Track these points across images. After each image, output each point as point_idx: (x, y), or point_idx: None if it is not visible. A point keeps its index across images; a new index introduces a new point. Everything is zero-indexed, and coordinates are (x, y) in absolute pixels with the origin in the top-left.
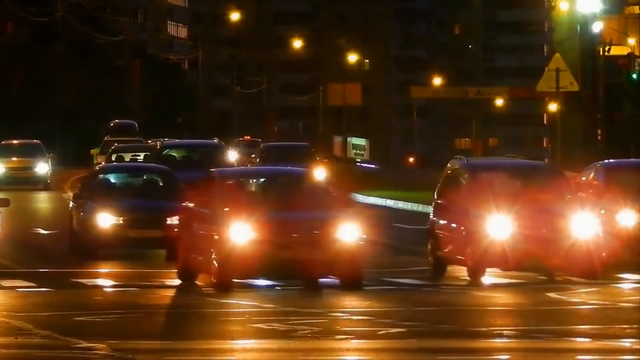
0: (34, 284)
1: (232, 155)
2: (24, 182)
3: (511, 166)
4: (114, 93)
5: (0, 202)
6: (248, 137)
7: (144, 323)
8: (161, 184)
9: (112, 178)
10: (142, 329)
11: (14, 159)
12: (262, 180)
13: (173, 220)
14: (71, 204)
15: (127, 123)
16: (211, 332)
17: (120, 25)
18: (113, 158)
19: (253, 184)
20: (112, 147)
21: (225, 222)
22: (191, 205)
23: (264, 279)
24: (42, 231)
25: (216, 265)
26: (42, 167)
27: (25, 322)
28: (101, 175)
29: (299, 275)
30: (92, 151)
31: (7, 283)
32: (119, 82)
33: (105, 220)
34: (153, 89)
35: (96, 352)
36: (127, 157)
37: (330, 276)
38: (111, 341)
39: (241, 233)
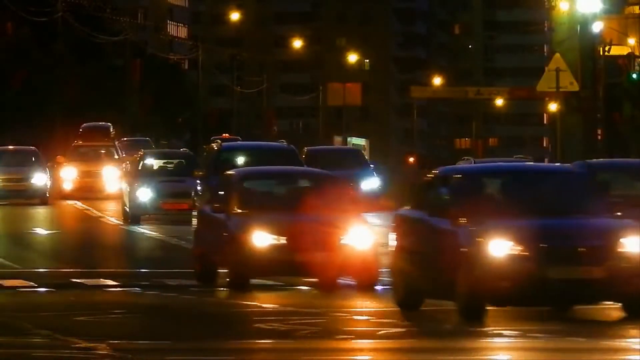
0: (34, 284)
1: None
2: (17, 195)
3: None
4: (114, 93)
5: None
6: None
7: (144, 323)
8: (325, 193)
9: (255, 185)
10: (142, 329)
11: (7, 168)
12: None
13: (348, 239)
14: (195, 220)
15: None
16: (211, 332)
17: (120, 25)
18: (140, 166)
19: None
20: (139, 154)
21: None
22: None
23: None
24: (42, 231)
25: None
26: (40, 179)
27: (25, 322)
28: (242, 183)
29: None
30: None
31: (7, 283)
32: (119, 82)
33: (263, 240)
34: (153, 89)
35: (96, 352)
36: (157, 164)
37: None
38: (111, 341)
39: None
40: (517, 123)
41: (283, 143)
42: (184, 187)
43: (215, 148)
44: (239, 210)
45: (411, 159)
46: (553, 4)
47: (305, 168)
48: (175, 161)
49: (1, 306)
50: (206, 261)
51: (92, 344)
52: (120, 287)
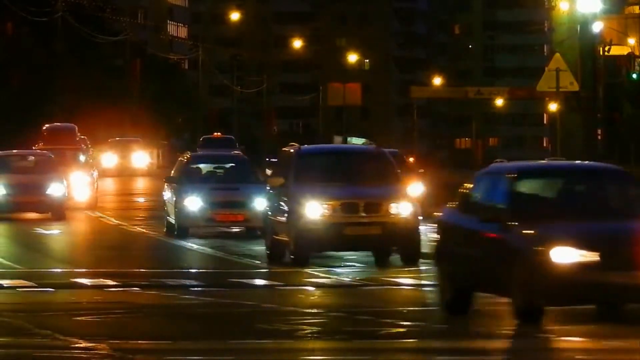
0: (34, 284)
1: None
2: (29, 208)
3: None
4: (114, 93)
5: None
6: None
7: (144, 323)
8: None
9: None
10: (142, 329)
11: (18, 175)
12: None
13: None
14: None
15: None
16: (211, 332)
17: (120, 25)
18: (186, 170)
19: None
20: (185, 156)
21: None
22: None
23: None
24: (42, 231)
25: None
26: (57, 189)
27: (25, 322)
28: (521, 184)
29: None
30: None
31: (7, 283)
32: (119, 82)
33: (567, 256)
34: (153, 89)
35: (96, 352)
36: (206, 168)
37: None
38: (111, 341)
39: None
40: (517, 123)
41: (369, 144)
42: (239, 195)
43: (293, 152)
44: (524, 221)
45: (411, 159)
46: (553, 4)
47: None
48: (226, 166)
49: (1, 306)
50: (460, 284)
51: (92, 344)
52: (120, 287)
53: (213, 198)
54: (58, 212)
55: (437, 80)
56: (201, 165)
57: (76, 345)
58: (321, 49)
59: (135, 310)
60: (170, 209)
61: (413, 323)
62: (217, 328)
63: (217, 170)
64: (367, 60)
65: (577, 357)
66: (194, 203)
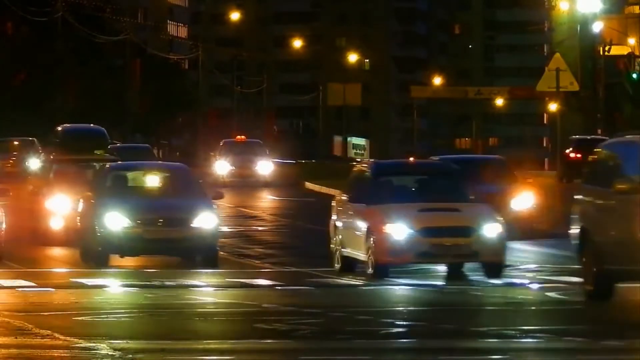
0: (34, 284)
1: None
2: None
3: None
4: (114, 93)
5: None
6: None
7: (144, 323)
8: None
9: None
10: (142, 329)
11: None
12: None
13: None
14: None
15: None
16: (211, 332)
17: (120, 25)
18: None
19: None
20: (366, 164)
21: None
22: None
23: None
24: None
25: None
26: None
27: (25, 322)
28: None
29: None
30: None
31: (7, 283)
32: (119, 82)
33: None
34: (153, 89)
35: (96, 352)
36: (397, 180)
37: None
38: (111, 341)
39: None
40: (517, 123)
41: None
42: (462, 219)
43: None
44: None
45: (411, 159)
46: (553, 4)
47: None
48: (424, 177)
49: (1, 306)
50: None
51: (92, 344)
52: (120, 287)
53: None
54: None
55: (437, 80)
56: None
57: (76, 345)
58: (321, 49)
59: (135, 310)
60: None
61: (413, 323)
62: (217, 328)
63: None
64: (367, 60)
65: (577, 357)
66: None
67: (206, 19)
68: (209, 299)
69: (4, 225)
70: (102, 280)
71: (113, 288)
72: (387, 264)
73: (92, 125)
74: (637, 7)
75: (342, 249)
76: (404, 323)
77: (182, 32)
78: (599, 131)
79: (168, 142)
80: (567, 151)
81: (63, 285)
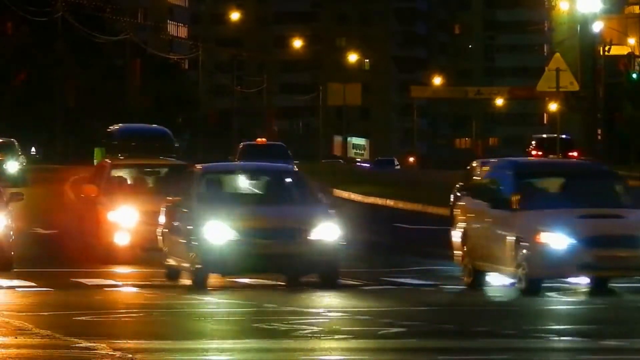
0: (34, 284)
1: None
2: None
3: None
4: (114, 93)
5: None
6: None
7: (144, 323)
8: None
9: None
10: (142, 329)
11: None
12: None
13: None
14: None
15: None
16: (211, 332)
17: (120, 25)
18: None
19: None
20: (480, 165)
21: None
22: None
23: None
24: (42, 231)
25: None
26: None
27: (25, 322)
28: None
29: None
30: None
31: (7, 283)
32: (119, 82)
33: None
34: (153, 89)
35: (96, 352)
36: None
37: None
38: (111, 341)
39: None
40: (517, 123)
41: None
42: (627, 227)
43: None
44: None
45: (411, 159)
46: (553, 3)
47: None
48: (576, 179)
49: (1, 306)
50: None
51: (92, 344)
52: (120, 287)
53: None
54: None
55: (437, 80)
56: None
57: (76, 345)
58: (321, 49)
59: (135, 310)
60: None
61: (413, 323)
62: (217, 328)
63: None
64: (367, 60)
65: (577, 357)
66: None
67: (206, 19)
68: (209, 299)
69: (11, 232)
70: (102, 280)
71: (113, 288)
72: (542, 278)
73: (154, 125)
74: (637, 7)
75: (476, 262)
76: (404, 323)
77: (182, 32)
78: (599, 131)
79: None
80: (529, 149)
81: (63, 285)
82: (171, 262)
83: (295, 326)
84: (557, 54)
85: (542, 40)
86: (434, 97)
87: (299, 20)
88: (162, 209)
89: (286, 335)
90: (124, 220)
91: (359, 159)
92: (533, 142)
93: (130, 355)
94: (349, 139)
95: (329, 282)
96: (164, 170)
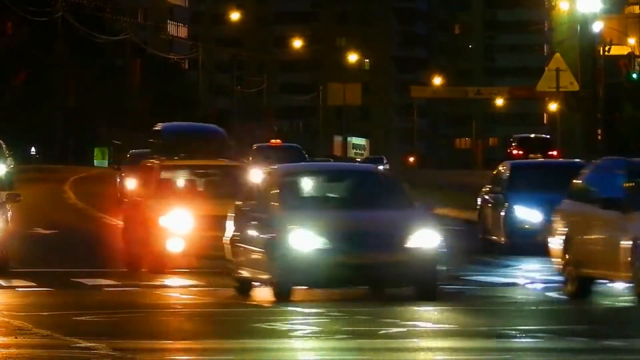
0: (34, 284)
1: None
2: None
3: None
4: (114, 93)
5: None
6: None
7: (144, 323)
8: None
9: None
10: (142, 329)
11: None
12: None
13: None
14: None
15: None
16: (211, 332)
17: (120, 25)
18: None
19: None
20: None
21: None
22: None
23: None
24: (42, 231)
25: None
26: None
27: (25, 322)
28: None
29: None
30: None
31: (7, 283)
32: (119, 82)
33: None
34: (153, 89)
35: (96, 352)
36: None
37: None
38: (111, 341)
39: None
40: (517, 123)
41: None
42: None
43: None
44: None
45: (411, 159)
46: (553, 3)
47: None
48: None
49: (1, 306)
50: None
51: (92, 344)
52: (120, 287)
53: None
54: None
55: (437, 80)
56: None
57: (76, 345)
58: (321, 49)
59: (135, 310)
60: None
61: (413, 323)
62: (217, 328)
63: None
64: (367, 60)
65: (577, 357)
66: None
67: (206, 19)
68: (209, 299)
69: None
70: (102, 280)
71: (113, 288)
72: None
73: (205, 124)
74: (637, 7)
75: (583, 269)
76: (404, 323)
77: (182, 32)
78: (599, 131)
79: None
80: (510, 149)
81: (63, 285)
82: (244, 273)
83: (295, 326)
84: (557, 54)
85: (542, 40)
86: (434, 97)
87: (299, 20)
88: (229, 214)
89: (286, 335)
90: (177, 226)
91: (359, 159)
92: (513, 142)
93: (130, 355)
94: (349, 139)
95: (427, 294)
96: (219, 171)
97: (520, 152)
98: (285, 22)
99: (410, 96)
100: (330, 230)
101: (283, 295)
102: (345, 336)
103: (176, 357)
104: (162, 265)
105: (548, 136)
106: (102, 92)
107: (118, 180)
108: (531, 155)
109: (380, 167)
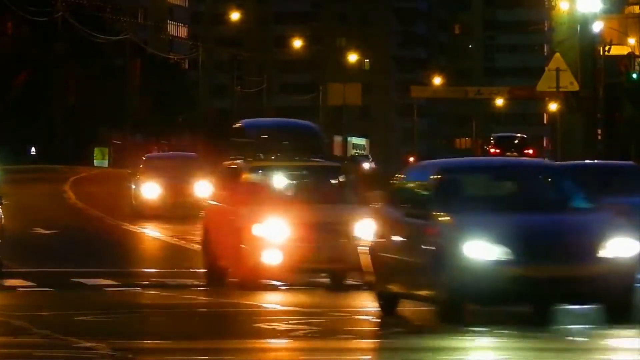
0: (34, 284)
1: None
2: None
3: None
4: (114, 93)
5: None
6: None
7: (144, 323)
8: None
9: None
10: (142, 329)
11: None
12: None
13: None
14: None
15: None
16: (211, 332)
17: (120, 25)
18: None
19: None
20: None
21: None
22: None
23: None
24: (42, 231)
25: None
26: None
27: (25, 322)
28: None
29: None
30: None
31: (7, 283)
32: (119, 82)
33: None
34: (153, 89)
35: (96, 352)
36: None
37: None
38: (111, 341)
39: None
40: (517, 123)
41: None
42: None
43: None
44: None
45: (411, 159)
46: (553, 3)
47: None
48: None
49: (1, 306)
50: None
51: (92, 344)
52: (120, 287)
53: None
54: None
55: (437, 80)
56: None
57: (76, 345)
58: (321, 49)
59: (135, 310)
60: None
61: (413, 323)
62: (217, 328)
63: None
64: (367, 60)
65: (577, 357)
66: None
67: (206, 19)
68: (209, 299)
69: None
70: (102, 280)
71: (113, 288)
72: None
73: (293, 119)
74: (637, 7)
75: None
76: (404, 323)
77: (182, 32)
78: (599, 131)
79: (168, 142)
80: (488, 147)
81: (63, 285)
82: (393, 288)
83: (295, 326)
84: (557, 54)
85: (542, 40)
86: (434, 97)
87: (299, 20)
88: (372, 220)
89: (286, 335)
90: (273, 235)
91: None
92: (492, 140)
93: (131, 356)
94: (349, 138)
95: (621, 314)
96: (315, 173)
97: (497, 151)
98: (285, 22)
99: (410, 96)
100: (511, 238)
101: (452, 315)
102: (345, 336)
103: (176, 357)
104: (256, 280)
105: (525, 136)
106: (102, 92)
107: (133, 186)
108: (507, 154)
109: (366, 165)
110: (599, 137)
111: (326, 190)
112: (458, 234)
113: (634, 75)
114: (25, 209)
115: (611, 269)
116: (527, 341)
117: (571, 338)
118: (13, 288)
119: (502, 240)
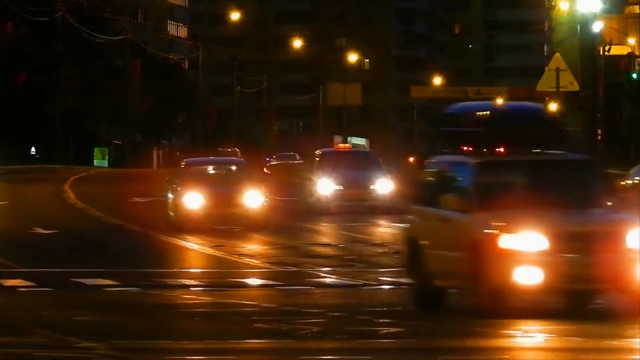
0: (34, 284)
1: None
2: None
3: None
4: (114, 93)
5: None
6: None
7: (144, 323)
8: None
9: None
10: (142, 329)
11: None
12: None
13: None
14: None
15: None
16: (211, 332)
17: (120, 25)
18: None
19: None
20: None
21: None
22: None
23: None
24: (42, 231)
25: None
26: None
27: (25, 322)
28: None
29: None
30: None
31: (7, 283)
32: (119, 82)
33: None
34: (153, 89)
35: (96, 352)
36: None
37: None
38: (111, 341)
39: None
40: None
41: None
42: None
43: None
44: None
45: (411, 159)
46: (553, 3)
47: None
48: None
49: (1, 306)
50: None
51: (92, 344)
52: (120, 287)
53: None
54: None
55: (437, 80)
56: None
57: (76, 345)
58: (321, 49)
59: (135, 310)
60: None
61: (413, 323)
62: (217, 328)
63: None
64: (367, 60)
65: (577, 357)
66: None
67: (206, 19)
68: (209, 299)
69: None
70: (102, 280)
71: (113, 288)
72: None
73: (524, 102)
74: (637, 7)
75: None
76: (404, 323)
77: (182, 32)
78: (599, 131)
79: (168, 142)
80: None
81: (63, 285)
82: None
83: (295, 326)
84: (557, 54)
85: (542, 40)
86: (434, 97)
87: (299, 20)
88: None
89: (286, 335)
90: (529, 247)
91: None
92: None
93: (131, 356)
94: (348, 139)
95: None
96: (564, 168)
97: (470, 149)
98: (285, 22)
99: (410, 96)
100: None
101: None
102: (346, 336)
103: (176, 357)
104: (501, 304)
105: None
106: (102, 92)
107: (170, 195)
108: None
109: None
110: (599, 137)
111: (582, 191)
112: None
113: (634, 75)
114: (25, 209)
115: None
116: (528, 341)
117: (572, 338)
118: (13, 288)
119: None
